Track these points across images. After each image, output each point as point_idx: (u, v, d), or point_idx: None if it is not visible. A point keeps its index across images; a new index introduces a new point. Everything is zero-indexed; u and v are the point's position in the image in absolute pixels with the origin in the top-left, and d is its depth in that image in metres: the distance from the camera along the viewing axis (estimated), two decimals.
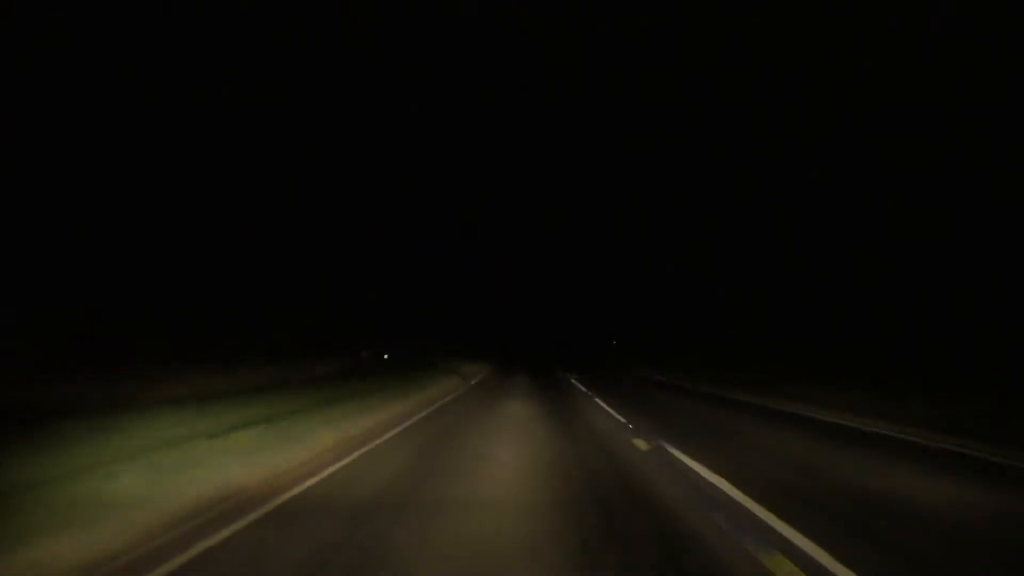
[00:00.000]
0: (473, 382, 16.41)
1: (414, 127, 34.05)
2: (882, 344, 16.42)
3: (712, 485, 4.12)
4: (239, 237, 16.11)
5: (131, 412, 6.78)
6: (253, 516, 3.26)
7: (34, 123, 10.37)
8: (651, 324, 47.38)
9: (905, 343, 15.86)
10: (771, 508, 3.46)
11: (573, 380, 18.24)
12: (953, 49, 15.69)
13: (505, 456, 5.32)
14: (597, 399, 11.33)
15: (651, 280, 46.86)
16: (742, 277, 28.67)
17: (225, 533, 2.95)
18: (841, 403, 9.47)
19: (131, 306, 11.95)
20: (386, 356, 18.87)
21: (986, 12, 14.70)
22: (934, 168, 16.32)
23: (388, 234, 26.83)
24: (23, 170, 10.03)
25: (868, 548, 2.82)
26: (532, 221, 76.84)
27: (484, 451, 5.56)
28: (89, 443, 4.90)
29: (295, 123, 19.22)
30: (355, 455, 5.16)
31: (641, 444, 5.94)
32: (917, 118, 16.89)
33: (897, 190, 17.49)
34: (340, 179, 22.66)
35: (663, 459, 5.14)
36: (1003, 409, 7.82)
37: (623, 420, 7.97)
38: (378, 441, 5.96)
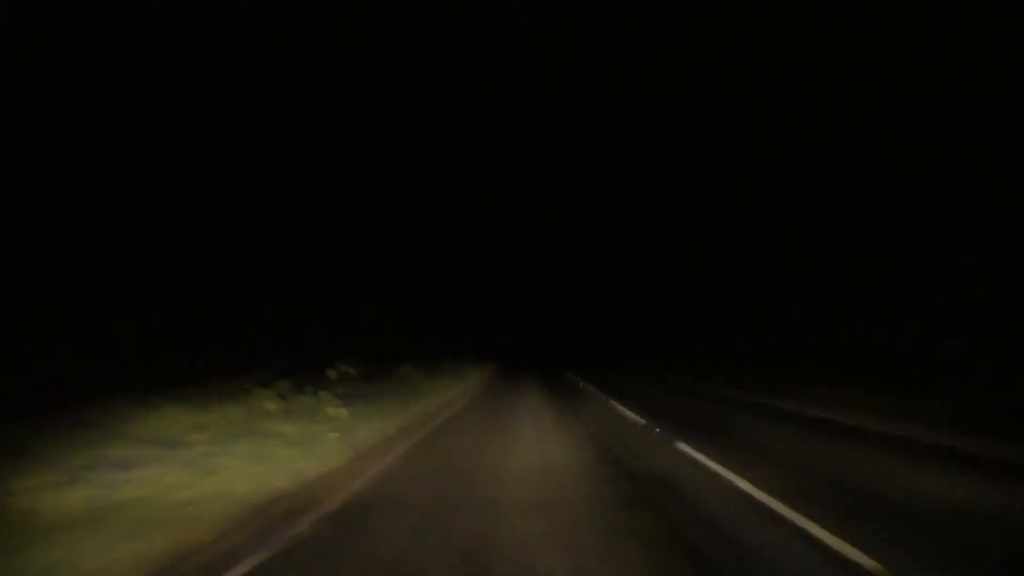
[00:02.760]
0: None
1: (414, 127, 34.03)
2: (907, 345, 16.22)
3: None
4: (238, 237, 16.11)
5: None
6: None
7: (32, 122, 10.36)
8: (651, 324, 47.42)
9: (907, 343, 15.85)
10: None
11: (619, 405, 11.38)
12: (953, 49, 15.71)
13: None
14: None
15: (651, 280, 46.90)
16: (742, 277, 28.70)
17: None
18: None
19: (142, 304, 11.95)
20: None
21: (986, 12, 14.72)
22: (934, 168, 16.34)
23: (388, 234, 26.83)
24: (21, 170, 10.03)
25: None
26: (532, 221, 76.80)
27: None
28: None
29: (295, 123, 19.23)
30: None
31: None
32: (917, 118, 16.92)
33: (897, 190, 17.51)
34: (340, 179, 22.67)
35: None
36: None
37: None
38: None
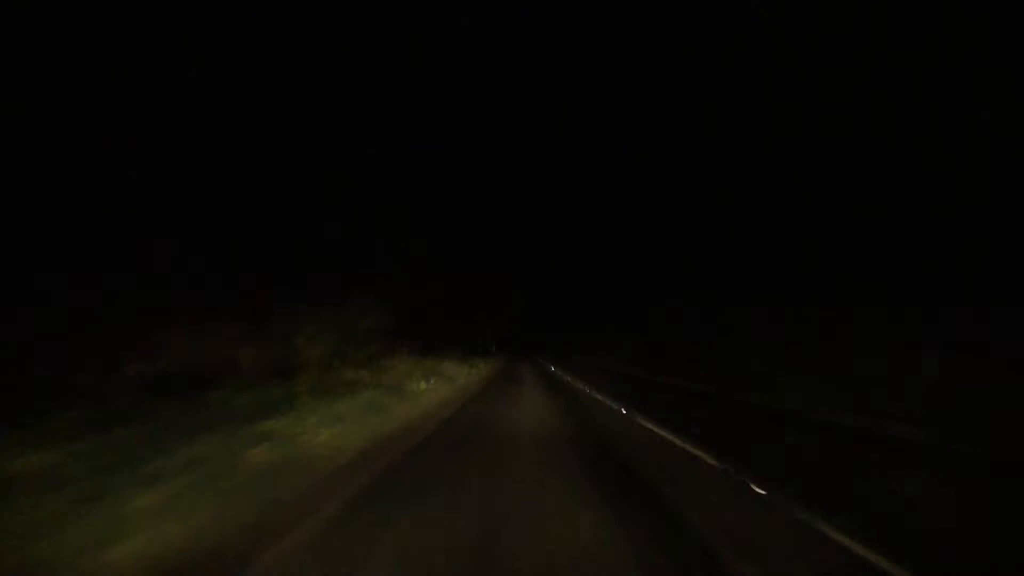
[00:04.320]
0: None
1: (414, 127, 33.95)
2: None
3: None
4: (237, 237, 16.10)
5: None
6: None
7: (30, 123, 10.36)
8: (653, 324, 47.40)
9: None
10: None
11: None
12: (953, 49, 15.69)
13: None
14: None
15: (651, 279, 46.89)
16: (742, 274, 28.66)
17: None
18: None
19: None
20: None
21: (986, 12, 14.70)
22: (935, 168, 16.31)
23: (388, 234, 26.78)
24: (19, 170, 10.03)
25: None
26: (533, 221, 76.84)
27: None
28: None
29: (295, 123, 19.19)
30: None
31: None
32: (919, 117, 16.88)
33: (898, 190, 17.48)
34: (340, 179, 22.64)
35: None
36: None
37: None
38: None
